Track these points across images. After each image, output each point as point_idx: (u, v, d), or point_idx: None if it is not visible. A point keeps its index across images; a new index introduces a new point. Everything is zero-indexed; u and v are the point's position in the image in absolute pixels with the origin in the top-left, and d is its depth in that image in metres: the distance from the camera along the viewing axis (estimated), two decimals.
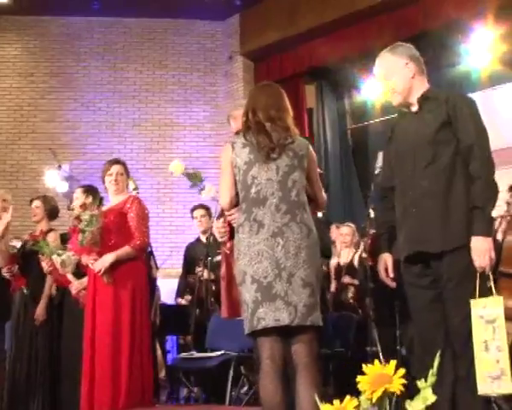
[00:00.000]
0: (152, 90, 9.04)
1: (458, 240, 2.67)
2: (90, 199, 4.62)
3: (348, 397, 1.62)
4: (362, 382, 1.60)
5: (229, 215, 2.71)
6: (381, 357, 3.68)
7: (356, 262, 5.71)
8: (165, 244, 7.82)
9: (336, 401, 1.65)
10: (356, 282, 5.54)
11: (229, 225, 2.76)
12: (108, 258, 4.05)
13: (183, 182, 8.49)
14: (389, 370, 1.59)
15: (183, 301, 6.01)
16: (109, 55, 9.03)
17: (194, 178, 3.49)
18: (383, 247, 2.99)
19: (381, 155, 4.62)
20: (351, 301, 5.54)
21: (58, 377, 4.64)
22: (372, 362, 1.55)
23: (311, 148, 2.87)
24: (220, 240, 2.89)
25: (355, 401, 1.63)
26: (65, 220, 8.25)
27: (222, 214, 2.94)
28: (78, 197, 4.76)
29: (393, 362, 1.62)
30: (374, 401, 1.62)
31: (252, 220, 2.62)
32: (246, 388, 5.02)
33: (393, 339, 4.29)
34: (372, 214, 4.72)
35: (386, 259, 2.95)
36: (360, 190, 8.63)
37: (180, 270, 6.40)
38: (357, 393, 1.59)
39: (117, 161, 4.46)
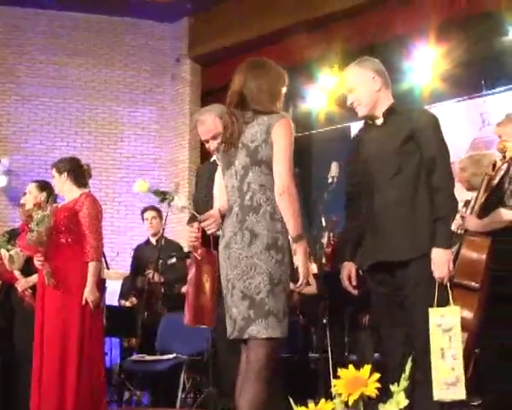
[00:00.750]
0: (97, 88, 8.89)
1: (423, 248, 2.77)
2: (44, 195, 4.50)
3: (323, 400, 1.69)
4: (337, 385, 1.67)
5: (203, 221, 2.68)
6: (331, 363, 3.74)
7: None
8: (106, 245, 7.68)
9: (311, 404, 1.71)
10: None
11: (203, 231, 2.72)
12: (91, 287, 4.00)
13: (125, 183, 8.60)
14: (364, 374, 1.66)
15: (127, 303, 5.95)
16: (54, 49, 8.81)
17: (162, 195, 3.44)
18: (347, 255, 3.05)
19: (334, 165, 4.74)
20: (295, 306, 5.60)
21: (9, 378, 4.50)
22: (317, 368, 1.66)
23: (280, 123, 2.63)
24: (190, 245, 2.85)
25: (330, 405, 1.69)
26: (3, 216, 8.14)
27: (193, 219, 2.93)
28: (32, 192, 4.61)
29: (368, 367, 1.70)
30: (350, 404, 1.69)
31: (221, 231, 2.62)
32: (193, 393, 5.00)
33: (343, 346, 4.38)
34: (324, 223, 4.82)
35: (350, 267, 3.01)
36: (301, 198, 8.75)
37: (120, 271, 6.35)
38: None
39: (54, 164, 4.36)
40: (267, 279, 2.47)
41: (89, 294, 3.96)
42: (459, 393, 2.65)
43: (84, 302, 3.95)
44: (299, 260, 2.50)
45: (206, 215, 2.67)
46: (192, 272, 2.73)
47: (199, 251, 2.72)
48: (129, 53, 9.09)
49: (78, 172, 4.26)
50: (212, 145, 3.40)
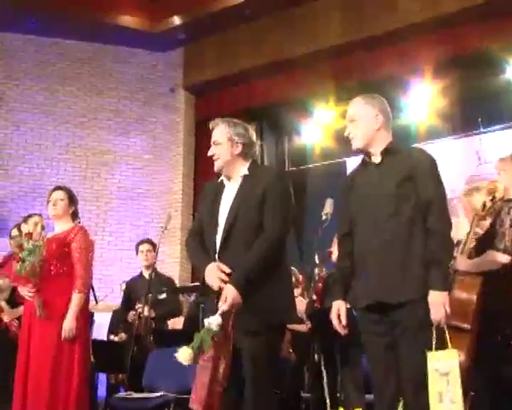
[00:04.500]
0: (88, 116, 9.01)
1: (416, 292, 2.83)
2: (38, 229, 4.58)
3: None
4: None
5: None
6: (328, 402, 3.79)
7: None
8: (95, 277, 7.73)
9: None
10: (294, 327, 5.63)
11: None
12: (70, 321, 4.02)
13: (116, 213, 8.67)
14: None
15: (116, 339, 5.97)
16: (44, 76, 8.93)
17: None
18: (338, 293, 3.10)
19: (329, 202, 4.86)
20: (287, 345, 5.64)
21: None
22: (307, 407, 1.73)
23: None
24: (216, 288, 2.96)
25: None
26: None
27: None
28: (29, 224, 4.72)
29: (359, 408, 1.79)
30: None
31: None
32: None
33: (334, 385, 4.42)
34: (317, 259, 4.89)
35: (340, 306, 3.07)
36: (294, 234, 8.85)
37: (109, 304, 6.35)
38: None
39: (59, 188, 4.47)
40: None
41: (65, 324, 4.00)
42: None
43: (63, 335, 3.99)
44: None
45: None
46: (209, 355, 2.74)
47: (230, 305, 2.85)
48: (121, 81, 9.23)
49: (77, 205, 4.42)
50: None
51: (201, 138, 8.92)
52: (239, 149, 3.17)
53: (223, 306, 2.83)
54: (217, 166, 3.20)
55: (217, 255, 3.02)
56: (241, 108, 8.87)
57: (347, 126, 3.15)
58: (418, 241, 2.87)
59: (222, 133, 3.18)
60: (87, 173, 8.79)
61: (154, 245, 5.93)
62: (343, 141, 3.27)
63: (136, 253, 6.03)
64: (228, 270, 2.93)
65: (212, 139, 3.22)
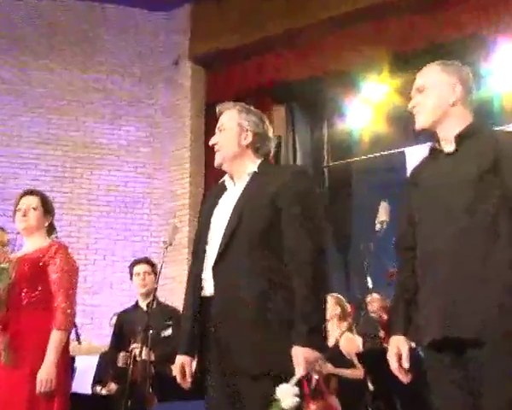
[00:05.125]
0: (67, 98, 9.01)
1: (507, 324, 2.78)
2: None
3: None
4: None
5: None
6: None
7: (343, 344, 5.82)
8: (77, 307, 7.76)
9: None
10: (342, 372, 5.63)
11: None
12: (48, 368, 3.98)
13: (103, 223, 8.67)
14: None
15: (103, 391, 5.97)
16: (12, 47, 8.91)
17: None
18: (397, 326, 3.07)
19: (384, 207, 4.84)
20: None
21: None
22: None
23: None
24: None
25: None
26: None
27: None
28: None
29: None
30: None
31: None
32: None
33: None
34: (370, 283, 4.87)
35: (400, 344, 3.02)
36: (336, 250, 8.80)
37: (94, 344, 6.38)
38: None
39: (30, 192, 4.43)
40: None
41: (42, 372, 3.96)
42: None
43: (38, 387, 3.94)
44: None
45: None
46: None
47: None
48: (110, 51, 9.19)
49: (54, 214, 4.43)
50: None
51: (213, 125, 8.79)
52: (249, 138, 3.26)
53: (297, 372, 2.88)
54: (218, 159, 3.28)
55: (211, 268, 3.10)
56: (266, 86, 8.88)
57: (413, 98, 3.15)
58: (505, 253, 2.82)
59: (231, 118, 3.31)
60: (65, 173, 8.78)
61: (153, 266, 5.90)
62: (401, 125, 3.26)
63: (131, 276, 5.98)
64: None
65: (218, 125, 3.33)
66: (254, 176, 3.21)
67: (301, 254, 3.01)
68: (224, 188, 3.30)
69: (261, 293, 3.00)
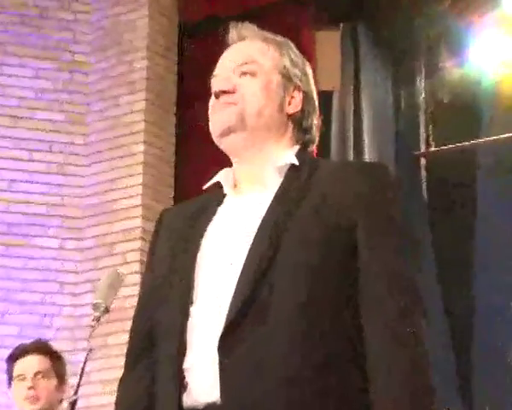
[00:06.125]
0: None
1: None
2: None
3: None
4: None
5: None
6: None
7: None
8: (12, 326, 6.22)
9: None
10: None
11: None
12: None
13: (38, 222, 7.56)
14: None
15: None
16: None
17: None
18: None
19: None
20: None
21: None
22: None
23: None
24: None
25: None
26: None
27: None
28: None
29: None
30: None
31: None
32: None
33: None
34: None
35: None
36: (435, 264, 6.32)
37: None
38: None
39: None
40: None
41: None
42: None
43: None
44: None
45: None
46: None
47: None
48: None
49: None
50: None
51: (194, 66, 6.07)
52: (298, 104, 2.16)
53: None
54: (227, 120, 2.08)
55: (212, 348, 1.93)
56: None
57: None
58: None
59: (269, 57, 2.17)
60: None
61: (53, 357, 4.38)
62: None
63: (9, 382, 4.40)
64: None
65: (231, 57, 2.17)
66: (293, 174, 2.08)
67: (396, 310, 2.02)
68: (213, 200, 2.18)
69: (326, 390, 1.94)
